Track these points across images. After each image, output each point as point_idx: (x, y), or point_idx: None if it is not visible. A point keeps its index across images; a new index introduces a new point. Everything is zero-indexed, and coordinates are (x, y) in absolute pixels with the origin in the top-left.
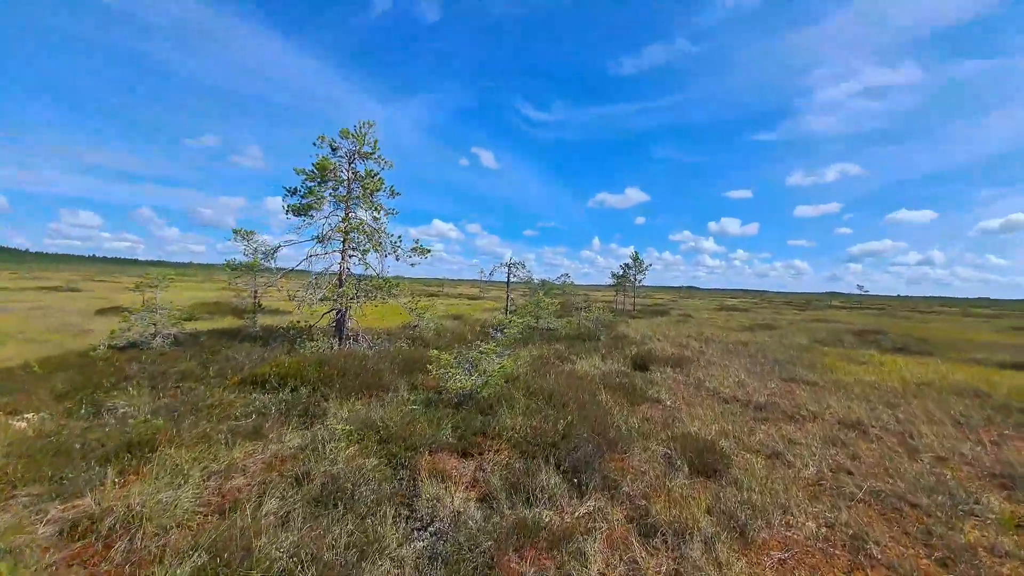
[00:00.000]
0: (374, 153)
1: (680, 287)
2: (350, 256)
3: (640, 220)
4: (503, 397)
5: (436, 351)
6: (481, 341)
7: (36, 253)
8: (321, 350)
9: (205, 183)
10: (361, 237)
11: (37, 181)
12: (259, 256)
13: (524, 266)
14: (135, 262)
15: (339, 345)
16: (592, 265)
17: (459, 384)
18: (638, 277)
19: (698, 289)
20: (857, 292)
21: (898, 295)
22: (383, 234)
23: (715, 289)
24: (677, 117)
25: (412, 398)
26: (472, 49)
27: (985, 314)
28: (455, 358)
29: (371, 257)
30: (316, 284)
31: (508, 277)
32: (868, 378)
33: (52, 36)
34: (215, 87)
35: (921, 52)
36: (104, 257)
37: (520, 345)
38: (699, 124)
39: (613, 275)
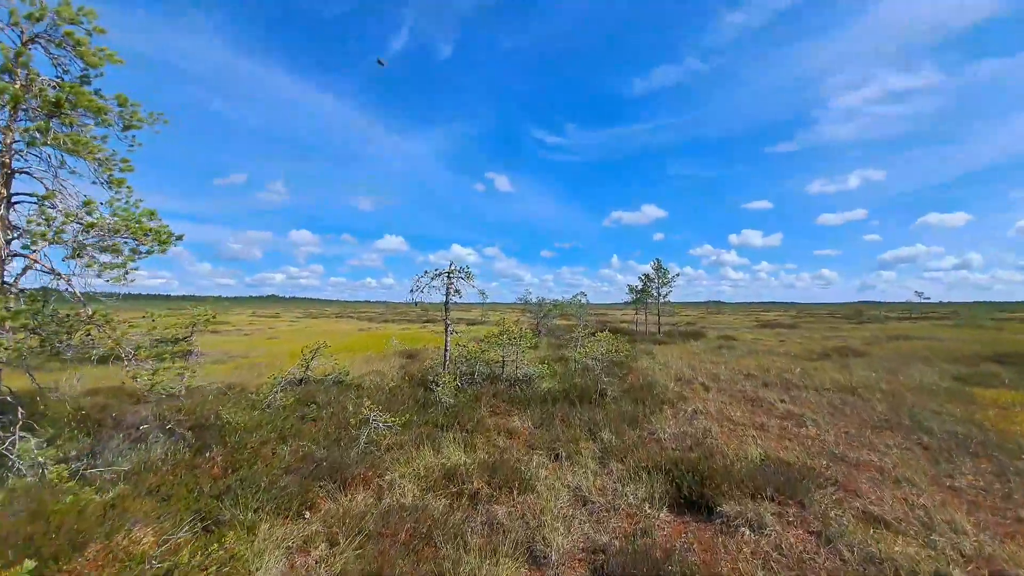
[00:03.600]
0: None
1: (706, 302)
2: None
3: (659, 236)
4: None
5: None
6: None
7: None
8: None
9: (233, 219)
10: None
11: None
12: None
13: (470, 275)
14: (167, 297)
15: None
16: (611, 283)
17: None
18: (662, 291)
19: (724, 304)
20: (917, 300)
21: (939, 301)
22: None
23: (742, 303)
24: (690, 133)
25: None
26: (484, 80)
27: None
28: None
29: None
30: None
31: (447, 296)
32: None
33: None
34: (243, 126)
35: (939, 55)
36: (138, 294)
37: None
38: (713, 138)
39: (631, 289)
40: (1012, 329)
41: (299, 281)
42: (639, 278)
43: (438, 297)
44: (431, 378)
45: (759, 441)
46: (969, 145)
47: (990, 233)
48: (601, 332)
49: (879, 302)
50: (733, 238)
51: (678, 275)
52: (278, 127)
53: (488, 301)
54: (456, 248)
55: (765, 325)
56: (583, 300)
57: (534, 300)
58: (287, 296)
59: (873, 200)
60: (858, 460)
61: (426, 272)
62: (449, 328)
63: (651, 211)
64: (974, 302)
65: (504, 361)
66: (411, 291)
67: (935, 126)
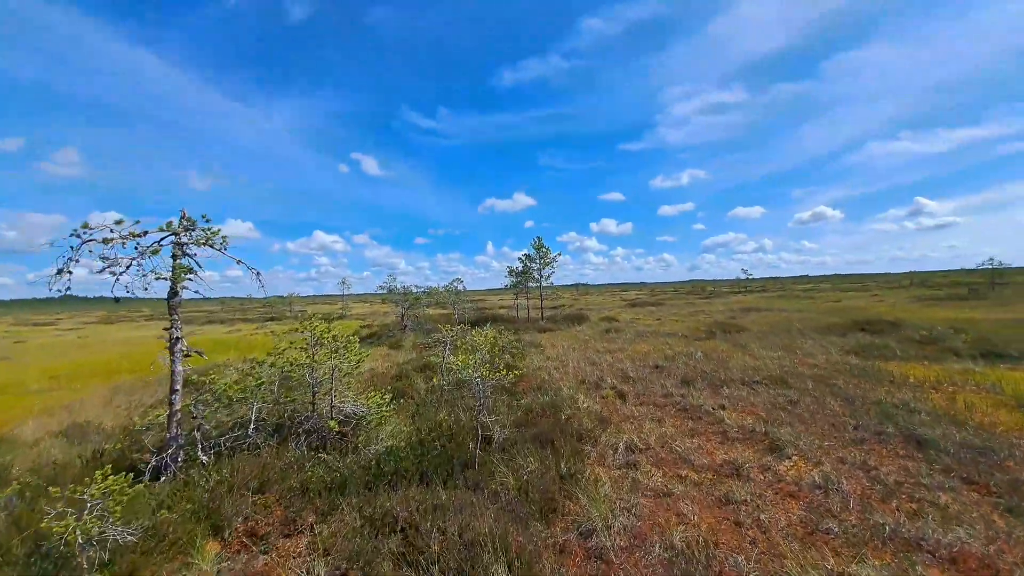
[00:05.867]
0: None
1: (574, 285)
2: None
3: (529, 224)
4: None
5: None
6: None
7: None
8: None
9: (3, 198)
10: None
11: None
12: None
13: (223, 240)
14: None
15: None
16: (487, 270)
17: None
18: (545, 272)
19: (590, 285)
20: (743, 276)
21: (749, 277)
22: None
23: (603, 284)
24: (558, 128)
25: None
26: (348, 52)
27: (869, 289)
28: None
29: None
30: None
31: (173, 279)
32: None
33: None
34: (7, 76)
35: (747, 76)
36: None
37: None
38: (577, 135)
39: (511, 271)
40: (831, 298)
41: (108, 277)
42: (519, 259)
43: (159, 288)
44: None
45: (765, 531)
46: (767, 152)
47: (777, 223)
48: (479, 327)
49: (706, 280)
50: (594, 226)
51: (559, 255)
52: (65, 81)
53: (352, 291)
54: (320, 235)
55: (634, 304)
56: (459, 287)
57: (399, 287)
58: (92, 296)
59: (699, 195)
60: (933, 543)
61: (112, 229)
62: (177, 342)
63: (523, 199)
64: (770, 278)
65: (314, 390)
66: (59, 270)
67: (744, 136)
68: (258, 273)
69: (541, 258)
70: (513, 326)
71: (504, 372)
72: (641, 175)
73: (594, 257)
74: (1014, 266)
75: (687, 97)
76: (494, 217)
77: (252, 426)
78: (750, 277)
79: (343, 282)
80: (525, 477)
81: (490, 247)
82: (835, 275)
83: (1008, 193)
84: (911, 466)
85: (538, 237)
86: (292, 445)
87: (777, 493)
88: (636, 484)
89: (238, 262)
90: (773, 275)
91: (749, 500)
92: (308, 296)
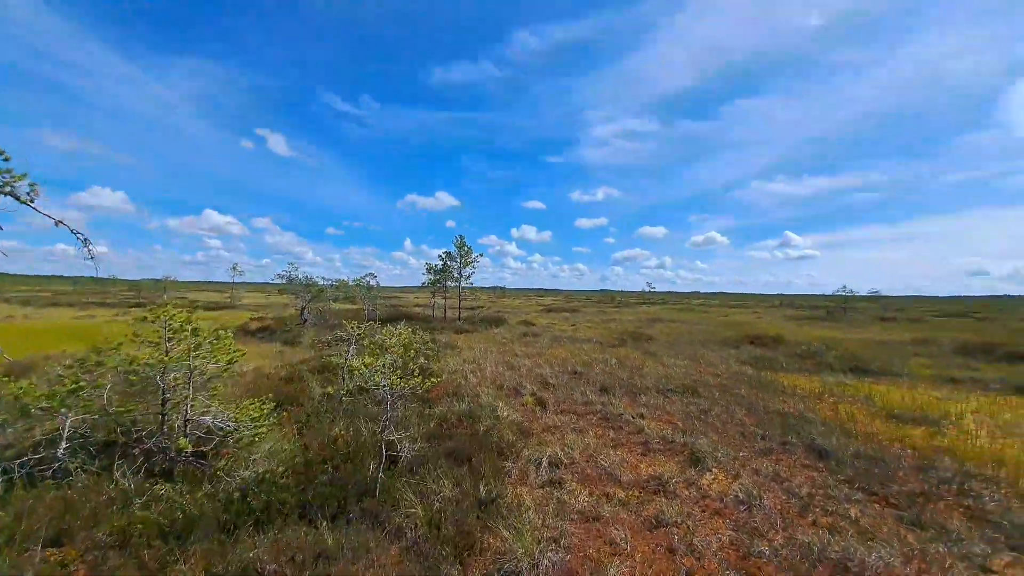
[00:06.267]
0: None
1: (492, 287)
2: None
3: (451, 224)
4: None
5: None
6: None
7: None
8: None
9: None
10: None
11: None
12: None
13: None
14: None
15: None
16: (405, 267)
17: None
18: (465, 272)
19: (506, 289)
20: (648, 289)
21: (652, 290)
22: None
23: (521, 288)
24: (484, 133)
25: None
26: (267, 22)
27: (753, 306)
28: None
29: None
30: None
31: None
32: None
33: None
34: None
35: (659, 110)
36: None
37: None
38: (503, 142)
39: (429, 269)
40: (721, 313)
41: None
42: (439, 256)
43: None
44: None
45: (695, 549)
46: (671, 180)
47: (677, 244)
48: (392, 325)
49: (614, 290)
50: (514, 231)
51: (481, 255)
52: None
53: (247, 280)
54: (211, 215)
55: (550, 310)
56: (372, 281)
57: (301, 277)
58: None
59: (612, 212)
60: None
61: None
62: None
63: (445, 198)
64: (669, 292)
65: (164, 397)
66: None
67: (654, 162)
68: (86, 240)
69: (462, 257)
70: (429, 325)
71: (419, 379)
72: (561, 187)
73: (513, 262)
74: (859, 295)
75: (606, 121)
76: (415, 214)
77: (64, 445)
78: (653, 290)
79: (234, 268)
80: (437, 505)
81: (408, 244)
82: (721, 293)
83: (853, 235)
84: (817, 477)
85: (460, 236)
86: (120, 472)
87: (704, 511)
88: (562, 506)
89: (58, 223)
90: (671, 289)
91: (679, 521)
92: (193, 282)
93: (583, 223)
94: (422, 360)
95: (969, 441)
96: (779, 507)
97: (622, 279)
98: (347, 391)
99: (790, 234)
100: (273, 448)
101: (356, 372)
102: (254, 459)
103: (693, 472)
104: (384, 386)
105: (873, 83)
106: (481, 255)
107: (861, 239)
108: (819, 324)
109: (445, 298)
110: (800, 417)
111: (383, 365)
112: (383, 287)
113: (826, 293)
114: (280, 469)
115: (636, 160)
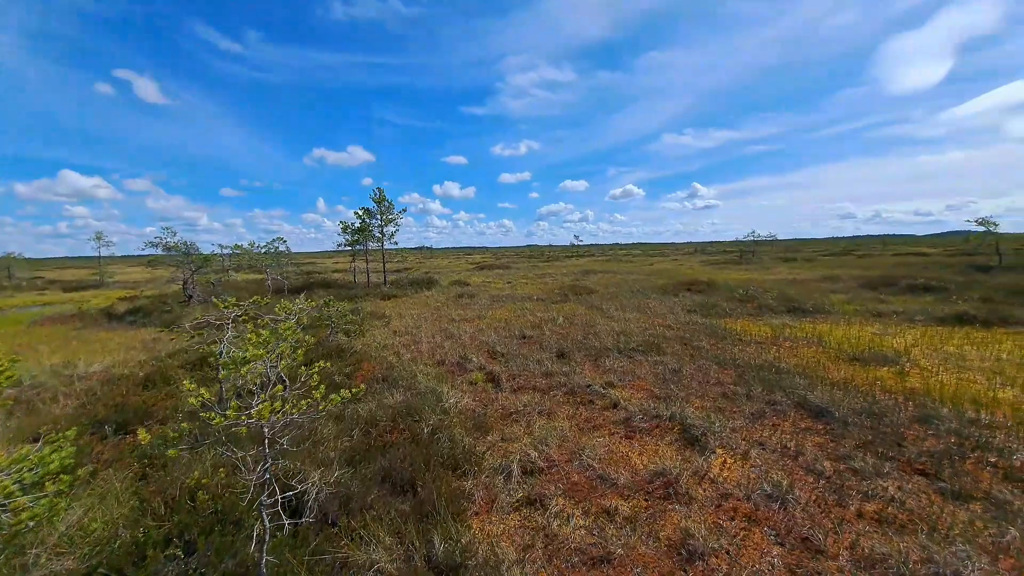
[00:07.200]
0: None
1: (418, 248)
2: None
3: (367, 181)
4: None
5: None
6: None
7: None
8: None
9: None
10: None
11: None
12: None
13: None
14: None
15: None
16: (319, 229)
17: None
18: (387, 229)
19: (432, 249)
20: (576, 243)
21: (580, 242)
22: None
23: (448, 248)
24: (397, 79)
25: None
26: None
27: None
28: None
29: None
30: None
31: None
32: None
33: None
34: None
35: (576, 59)
36: None
37: None
38: (419, 91)
39: (345, 228)
40: (647, 262)
41: None
42: (355, 213)
43: None
44: None
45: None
46: (590, 132)
47: (597, 197)
48: (302, 296)
49: (542, 244)
50: (437, 188)
51: (404, 211)
52: None
53: (126, 253)
54: (70, 177)
55: (482, 267)
56: (280, 247)
57: (182, 245)
58: None
59: (535, 165)
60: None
61: None
62: None
63: (359, 153)
64: (593, 244)
65: None
66: None
67: (573, 114)
68: None
69: (383, 213)
70: (350, 293)
71: (319, 393)
72: (483, 140)
73: (438, 220)
74: (761, 239)
75: (525, 69)
76: (325, 171)
77: None
78: (581, 243)
79: (97, 237)
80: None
81: (322, 204)
82: (640, 243)
83: (751, 184)
84: (827, 444)
85: (379, 188)
86: None
87: (734, 517)
88: (555, 544)
89: None
90: (595, 242)
91: (714, 545)
92: (56, 258)
93: (507, 178)
94: (340, 336)
95: (932, 379)
96: (813, 497)
97: (548, 234)
98: (219, 404)
99: (697, 185)
100: (82, 524)
101: (230, 373)
102: (36, 556)
103: (697, 458)
104: (249, 419)
105: (766, 38)
106: (404, 211)
107: (754, 188)
108: (734, 268)
109: (368, 261)
110: (775, 369)
111: (271, 363)
112: (295, 253)
113: (729, 239)
114: (82, 570)
115: (556, 112)
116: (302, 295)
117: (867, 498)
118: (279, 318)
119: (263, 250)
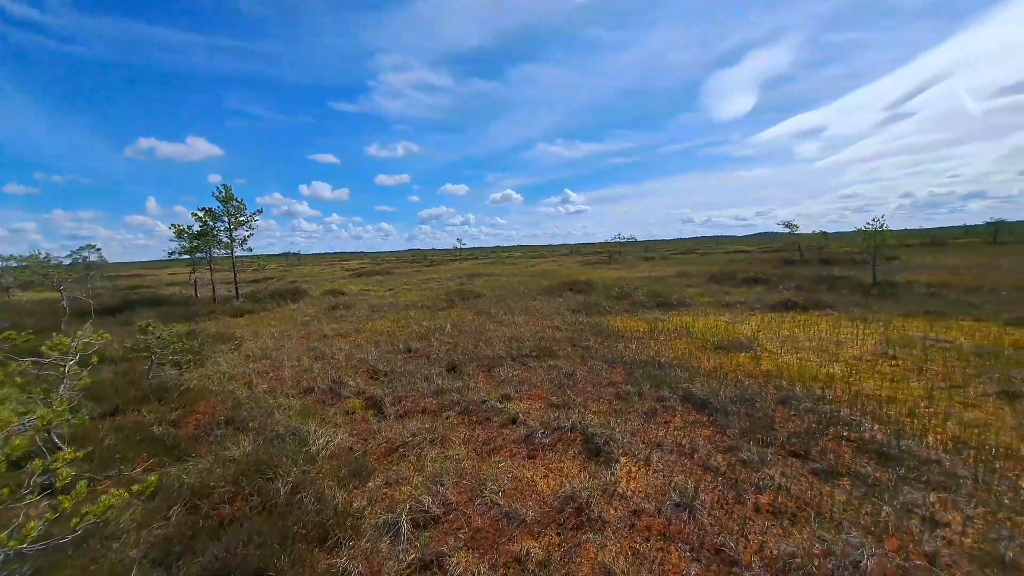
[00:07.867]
0: None
1: (283, 254)
2: None
3: (215, 178)
4: None
5: None
6: None
7: None
8: None
9: None
10: None
11: None
12: None
13: None
14: None
15: None
16: (150, 235)
17: None
18: (237, 234)
19: (303, 255)
20: (459, 246)
21: (463, 246)
22: None
23: (319, 253)
24: (254, 67)
25: None
26: None
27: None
28: None
29: None
30: None
31: None
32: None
33: None
34: None
35: (453, 64)
36: None
37: None
38: (279, 82)
39: (180, 233)
40: (529, 264)
41: None
42: (193, 215)
43: None
44: None
45: None
46: (468, 137)
47: (477, 201)
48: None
49: (424, 248)
50: (304, 189)
51: (259, 212)
52: None
53: None
54: None
55: (359, 274)
56: (91, 257)
57: None
58: None
59: (414, 168)
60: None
61: None
62: None
63: (202, 146)
64: (476, 247)
65: None
66: None
67: (451, 119)
68: None
69: (232, 215)
70: (188, 311)
71: (68, 501)
72: (356, 139)
73: (307, 224)
74: (624, 240)
75: (399, 69)
76: (155, 165)
77: None
78: (464, 246)
79: None
80: None
81: (153, 204)
82: (519, 246)
83: (614, 191)
84: (714, 436)
85: (224, 186)
86: None
87: (648, 538)
88: None
89: None
90: (477, 245)
91: None
92: None
93: (384, 180)
94: (168, 369)
95: (779, 360)
96: (715, 498)
97: (430, 237)
98: None
99: (569, 191)
100: None
101: None
102: None
103: (603, 471)
104: None
105: (623, 63)
106: (260, 212)
107: (617, 195)
108: (605, 267)
109: (213, 271)
110: (658, 364)
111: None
112: (116, 264)
113: (598, 241)
114: None
115: (435, 115)
116: (116, 317)
117: (759, 489)
118: (46, 359)
119: (67, 261)
